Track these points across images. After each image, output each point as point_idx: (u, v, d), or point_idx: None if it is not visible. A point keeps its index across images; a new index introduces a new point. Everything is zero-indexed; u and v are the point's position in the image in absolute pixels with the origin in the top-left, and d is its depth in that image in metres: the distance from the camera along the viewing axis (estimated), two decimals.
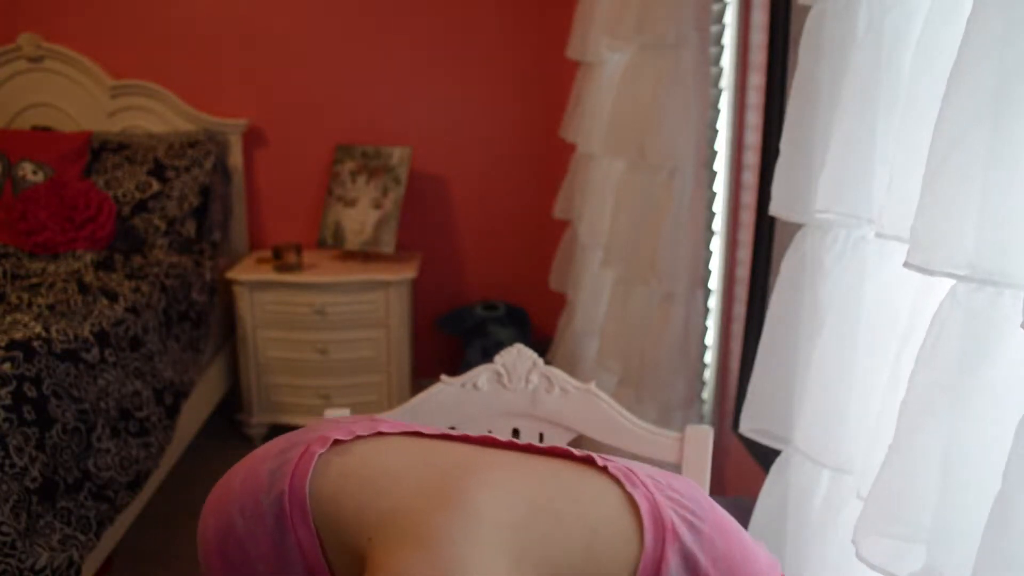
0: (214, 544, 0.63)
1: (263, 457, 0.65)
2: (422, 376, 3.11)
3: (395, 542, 0.57)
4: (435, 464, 0.63)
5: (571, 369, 2.37)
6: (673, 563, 0.59)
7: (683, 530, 0.60)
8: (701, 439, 1.06)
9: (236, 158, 2.97)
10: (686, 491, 0.64)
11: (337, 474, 0.62)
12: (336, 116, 3.02)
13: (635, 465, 0.67)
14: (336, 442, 0.64)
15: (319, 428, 0.66)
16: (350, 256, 2.94)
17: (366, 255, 2.90)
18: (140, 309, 2.20)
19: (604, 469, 0.64)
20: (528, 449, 0.67)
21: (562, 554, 0.58)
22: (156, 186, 2.67)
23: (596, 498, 0.62)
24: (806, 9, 1.09)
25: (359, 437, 0.65)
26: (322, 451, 0.63)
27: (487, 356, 2.32)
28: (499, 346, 2.20)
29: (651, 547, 0.59)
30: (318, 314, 2.75)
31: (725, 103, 1.93)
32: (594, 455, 0.65)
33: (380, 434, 0.66)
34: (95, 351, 1.92)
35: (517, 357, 1.09)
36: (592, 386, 1.09)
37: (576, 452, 0.66)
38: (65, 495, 1.68)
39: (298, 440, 0.65)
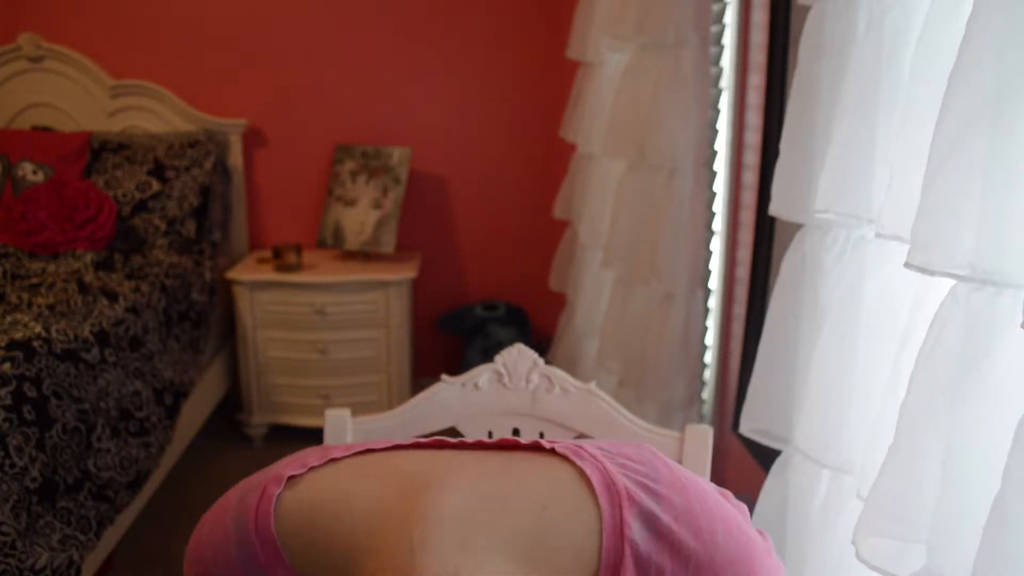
0: None
1: (225, 507, 0.65)
2: (422, 376, 3.11)
3: (371, 566, 0.58)
4: (391, 478, 0.63)
5: (571, 369, 2.36)
6: (634, 525, 0.60)
7: (638, 492, 0.61)
8: (701, 439, 1.06)
9: (236, 158, 2.97)
10: (637, 456, 0.66)
11: (298, 509, 0.63)
12: (336, 116, 3.02)
13: (586, 442, 0.68)
14: (291, 478, 0.64)
15: (273, 468, 0.67)
16: (350, 256, 2.93)
17: (366, 255, 2.90)
18: (140, 309, 2.20)
19: (552, 451, 0.66)
20: (479, 446, 0.69)
21: (512, 533, 0.59)
22: (156, 186, 2.67)
23: (543, 477, 0.63)
24: (806, 9, 1.09)
25: (312, 468, 0.65)
26: (279, 490, 0.63)
27: (487, 356, 2.32)
28: (499, 346, 2.20)
29: (608, 513, 0.60)
30: (318, 314, 2.75)
31: (725, 103, 1.93)
32: (541, 441, 0.67)
33: (332, 460, 0.66)
34: (95, 351, 1.92)
35: (517, 357, 1.09)
36: (592, 386, 1.09)
37: (524, 441, 0.68)
38: (65, 495, 1.68)
39: (254, 484, 0.65)
